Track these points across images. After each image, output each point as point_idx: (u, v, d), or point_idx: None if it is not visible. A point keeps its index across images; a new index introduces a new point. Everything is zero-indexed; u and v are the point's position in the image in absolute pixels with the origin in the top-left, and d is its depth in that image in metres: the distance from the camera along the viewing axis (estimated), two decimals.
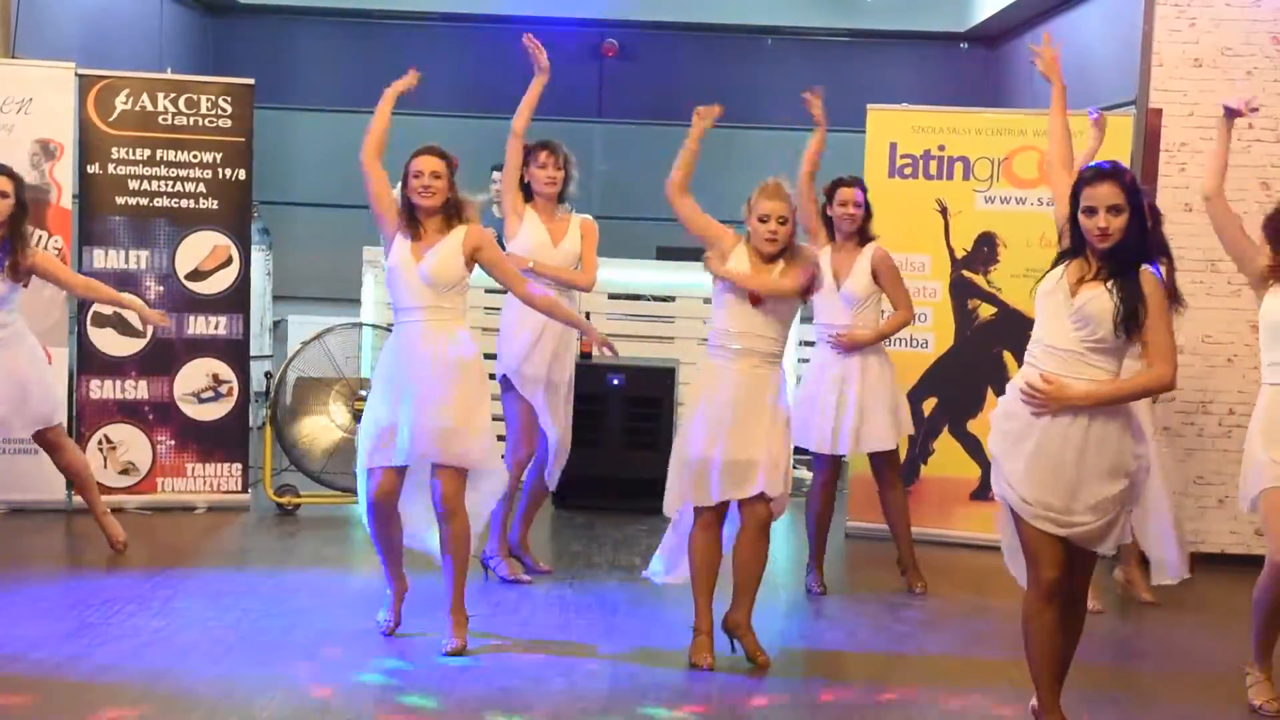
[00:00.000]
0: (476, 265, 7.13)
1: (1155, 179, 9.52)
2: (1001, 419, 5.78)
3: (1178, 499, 8.55)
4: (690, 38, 14.73)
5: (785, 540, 9.12)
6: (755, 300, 6.86)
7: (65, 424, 8.84)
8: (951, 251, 9.78)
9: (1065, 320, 5.62)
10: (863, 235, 8.60)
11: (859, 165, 9.87)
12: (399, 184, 7.28)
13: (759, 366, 6.96)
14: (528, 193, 8.61)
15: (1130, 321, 5.58)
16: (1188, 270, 9.55)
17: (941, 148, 9.82)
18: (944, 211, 9.65)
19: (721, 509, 7.00)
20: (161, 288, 9.90)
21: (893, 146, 9.96)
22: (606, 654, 7.19)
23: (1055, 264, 5.78)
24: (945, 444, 10.00)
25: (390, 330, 7.35)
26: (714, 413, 6.93)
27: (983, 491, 9.07)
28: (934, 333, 8.97)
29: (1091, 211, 5.59)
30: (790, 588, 8.71)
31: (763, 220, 6.98)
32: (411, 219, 7.16)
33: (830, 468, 8.67)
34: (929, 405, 9.90)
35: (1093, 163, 5.94)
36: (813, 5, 14.63)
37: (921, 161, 9.84)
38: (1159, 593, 8.49)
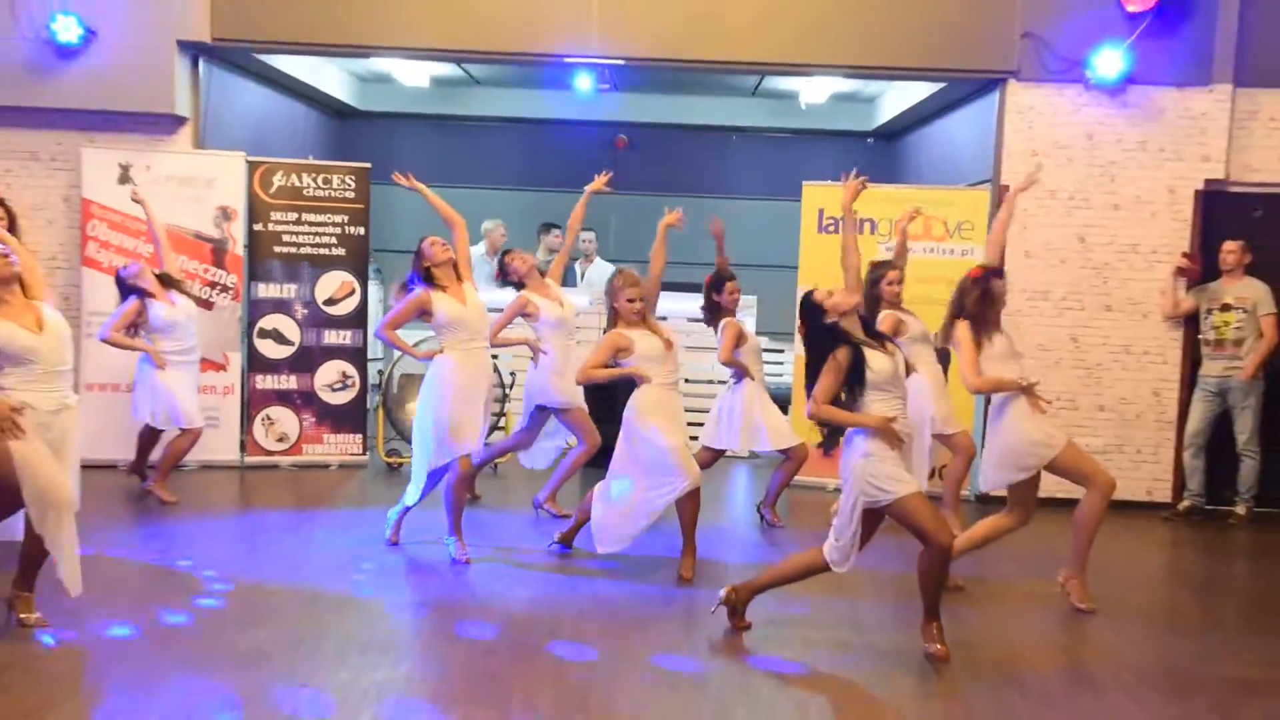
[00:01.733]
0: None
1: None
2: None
3: None
4: (678, 133, 14.72)
5: (749, 490, 9.07)
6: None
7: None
8: (862, 285, 9.65)
9: None
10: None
11: (797, 226, 10.05)
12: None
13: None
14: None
15: None
16: (1026, 298, 9.68)
17: (855, 212, 9.72)
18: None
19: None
20: (305, 310, 10.27)
21: (820, 211, 10.19)
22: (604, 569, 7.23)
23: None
24: None
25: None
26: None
27: None
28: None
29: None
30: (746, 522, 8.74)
31: (630, 300, 7.06)
32: (429, 277, 7.15)
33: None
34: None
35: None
36: (764, 111, 14.58)
37: (840, 222, 9.71)
38: None
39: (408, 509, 7.44)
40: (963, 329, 6.62)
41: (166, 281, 8.65)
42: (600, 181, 8.58)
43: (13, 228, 7.53)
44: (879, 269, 7.89)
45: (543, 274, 8.47)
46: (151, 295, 8.47)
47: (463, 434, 7.06)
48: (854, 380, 5.66)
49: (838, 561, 5.80)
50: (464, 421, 7.06)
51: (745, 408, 8.32)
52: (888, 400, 5.68)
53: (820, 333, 5.78)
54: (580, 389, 8.12)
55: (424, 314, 7.12)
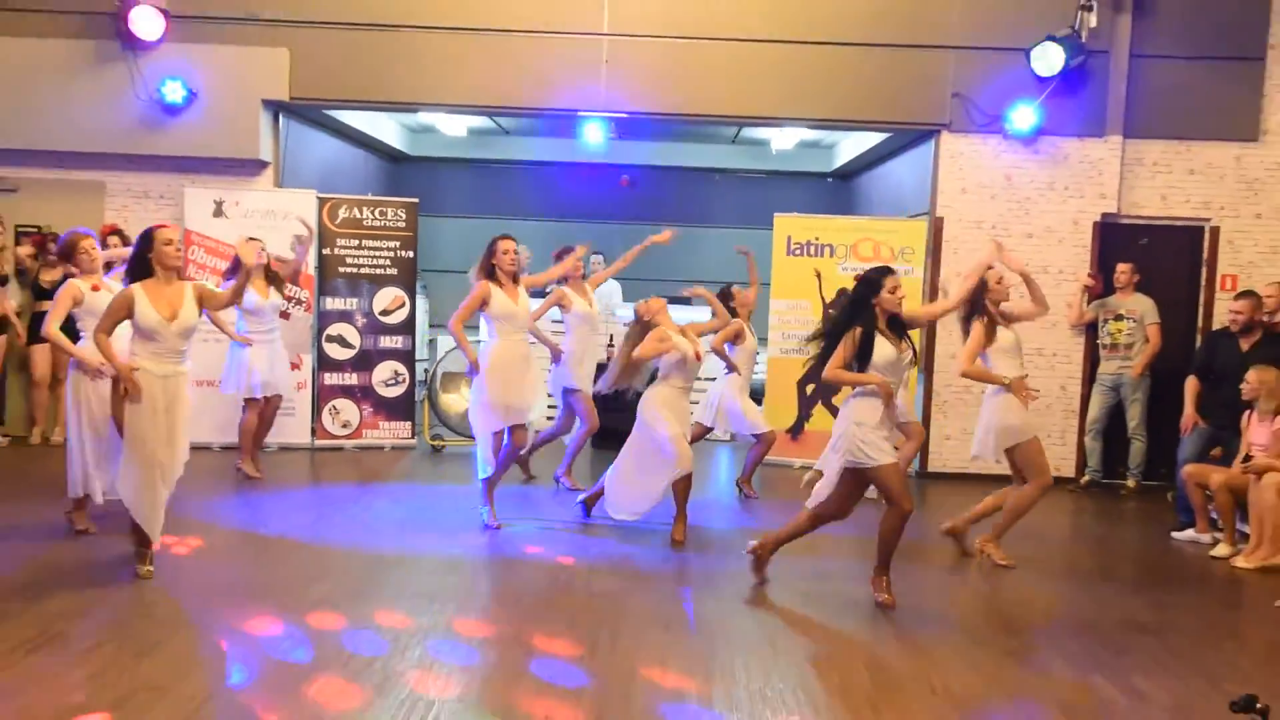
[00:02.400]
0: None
1: (939, 257, 9.61)
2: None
3: None
4: (672, 173, 14.78)
5: (730, 468, 9.08)
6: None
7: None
8: (823, 298, 9.91)
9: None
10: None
11: (769, 249, 10.10)
12: (482, 260, 7.13)
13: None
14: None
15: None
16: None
17: (817, 238, 9.94)
18: (818, 276, 9.79)
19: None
20: (365, 320, 10.21)
21: (788, 238, 10.16)
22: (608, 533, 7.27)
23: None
24: (820, 412, 9.94)
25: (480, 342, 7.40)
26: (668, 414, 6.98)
27: None
28: (810, 344, 8.98)
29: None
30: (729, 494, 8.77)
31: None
32: (492, 276, 7.07)
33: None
34: (810, 387, 9.91)
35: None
36: (741, 155, 14.62)
37: (805, 246, 10.01)
38: None
39: (485, 481, 7.16)
40: (977, 325, 6.59)
41: (272, 279, 8.56)
42: (665, 236, 8.37)
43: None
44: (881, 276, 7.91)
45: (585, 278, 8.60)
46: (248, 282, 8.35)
47: (504, 407, 6.96)
48: (861, 358, 5.63)
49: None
50: (505, 397, 6.94)
51: (729, 396, 8.36)
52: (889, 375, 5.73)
53: (857, 307, 5.68)
54: (590, 377, 8.28)
55: (484, 303, 7.04)
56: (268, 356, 8.50)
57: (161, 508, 5.74)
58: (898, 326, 5.77)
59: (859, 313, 5.69)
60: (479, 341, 7.48)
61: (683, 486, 7.04)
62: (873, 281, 5.72)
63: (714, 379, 9.27)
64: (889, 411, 5.65)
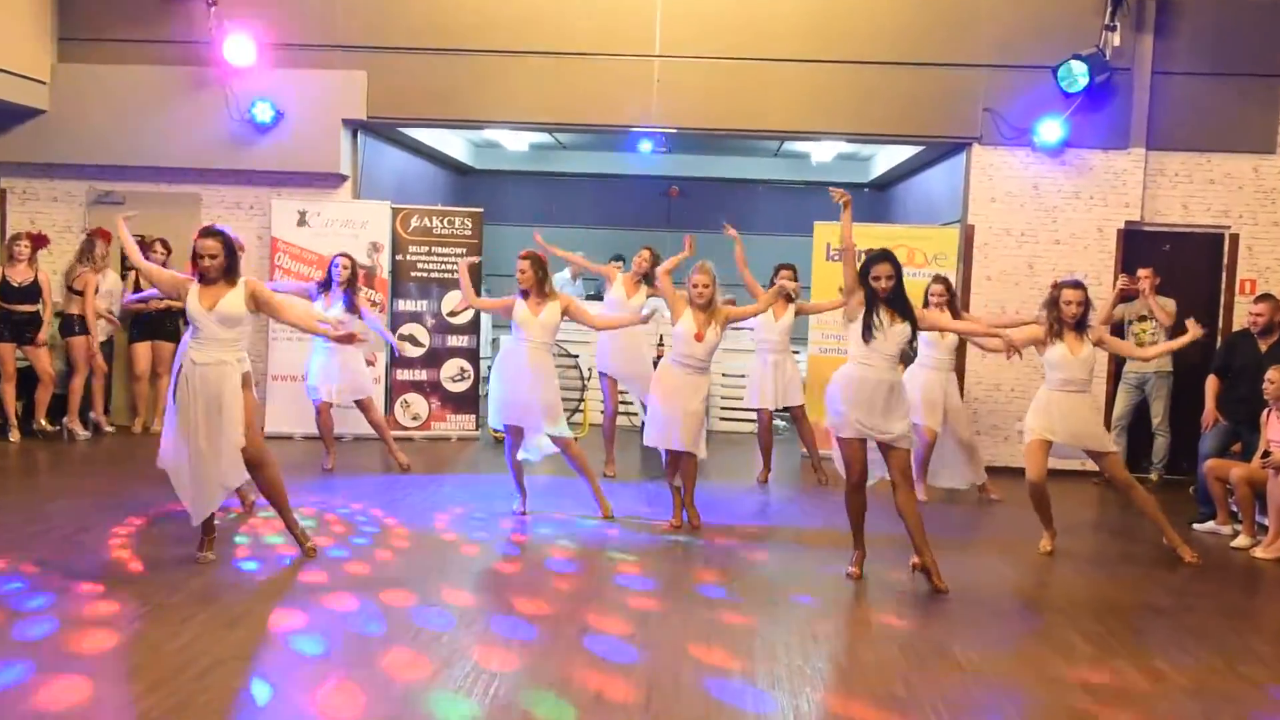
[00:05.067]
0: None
1: (971, 263, 9.49)
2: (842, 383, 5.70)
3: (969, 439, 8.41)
4: (718, 184, 14.69)
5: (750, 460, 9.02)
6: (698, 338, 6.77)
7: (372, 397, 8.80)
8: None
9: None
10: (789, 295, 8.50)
11: (810, 256, 10.05)
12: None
13: (693, 372, 6.83)
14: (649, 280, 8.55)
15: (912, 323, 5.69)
16: (989, 311, 9.84)
17: (855, 245, 9.66)
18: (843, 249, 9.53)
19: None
20: (434, 320, 10.36)
21: (828, 245, 10.12)
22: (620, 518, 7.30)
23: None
24: None
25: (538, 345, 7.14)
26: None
27: None
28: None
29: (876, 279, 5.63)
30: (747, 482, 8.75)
31: (694, 285, 6.79)
32: (522, 293, 6.97)
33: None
34: None
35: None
36: (783, 167, 14.52)
37: (843, 253, 9.68)
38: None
39: (514, 475, 7.12)
40: (1036, 327, 6.69)
41: (349, 283, 8.27)
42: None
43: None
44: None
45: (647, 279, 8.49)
46: (325, 290, 8.33)
47: (500, 403, 6.86)
48: (866, 323, 5.55)
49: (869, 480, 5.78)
50: (502, 394, 6.85)
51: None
52: (868, 354, 5.56)
53: (862, 278, 5.64)
54: (618, 364, 8.32)
55: (506, 311, 7.02)
56: (322, 366, 8.28)
57: (204, 493, 5.54)
58: (900, 308, 5.66)
59: (864, 283, 5.65)
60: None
61: (684, 470, 6.86)
62: (864, 266, 5.67)
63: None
64: (869, 401, 5.55)
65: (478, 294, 10.26)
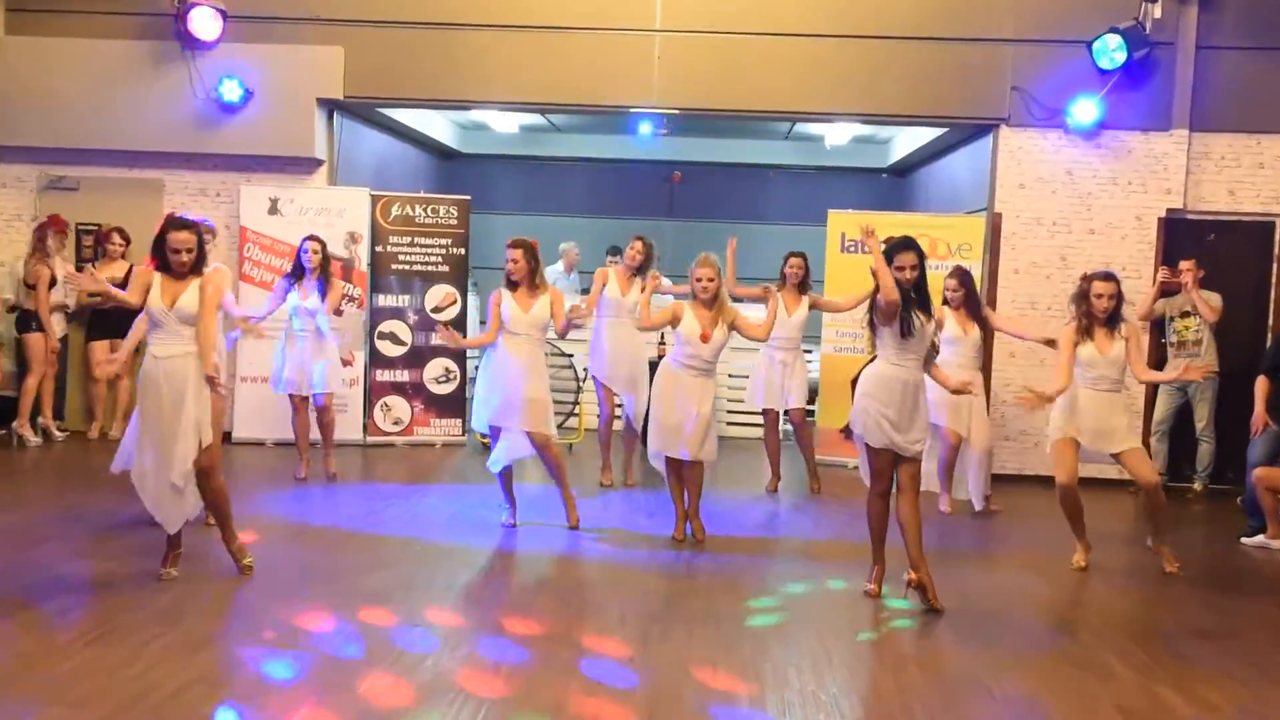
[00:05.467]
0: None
1: (998, 254, 9.46)
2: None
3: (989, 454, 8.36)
4: (723, 170, 14.68)
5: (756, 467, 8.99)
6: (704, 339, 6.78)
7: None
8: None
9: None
10: (802, 286, 8.60)
11: (823, 247, 10.02)
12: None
13: (699, 375, 6.84)
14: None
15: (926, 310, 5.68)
16: (1017, 307, 9.73)
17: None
18: (874, 273, 9.40)
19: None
20: (417, 316, 10.36)
21: (842, 235, 10.07)
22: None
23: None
24: None
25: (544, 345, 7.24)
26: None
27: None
28: (865, 342, 8.85)
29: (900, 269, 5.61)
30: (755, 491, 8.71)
31: (698, 280, 6.77)
32: (511, 284, 6.93)
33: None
34: None
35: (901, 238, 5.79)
36: (795, 151, 14.50)
37: (860, 244, 9.71)
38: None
39: (499, 477, 7.04)
40: (1066, 331, 6.59)
41: (322, 269, 8.21)
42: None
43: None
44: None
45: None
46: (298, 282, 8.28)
47: (488, 406, 6.84)
48: (905, 319, 5.55)
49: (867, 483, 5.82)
50: (490, 396, 6.85)
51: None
52: (900, 352, 5.60)
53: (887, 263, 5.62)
54: (610, 367, 8.28)
55: (497, 309, 6.99)
56: (297, 356, 8.22)
57: (167, 496, 5.56)
58: (923, 302, 5.67)
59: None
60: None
61: (690, 479, 6.85)
62: (885, 254, 5.64)
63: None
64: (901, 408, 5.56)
65: (464, 289, 10.30)
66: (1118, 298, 6.52)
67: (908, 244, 5.67)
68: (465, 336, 10.34)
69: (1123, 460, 6.61)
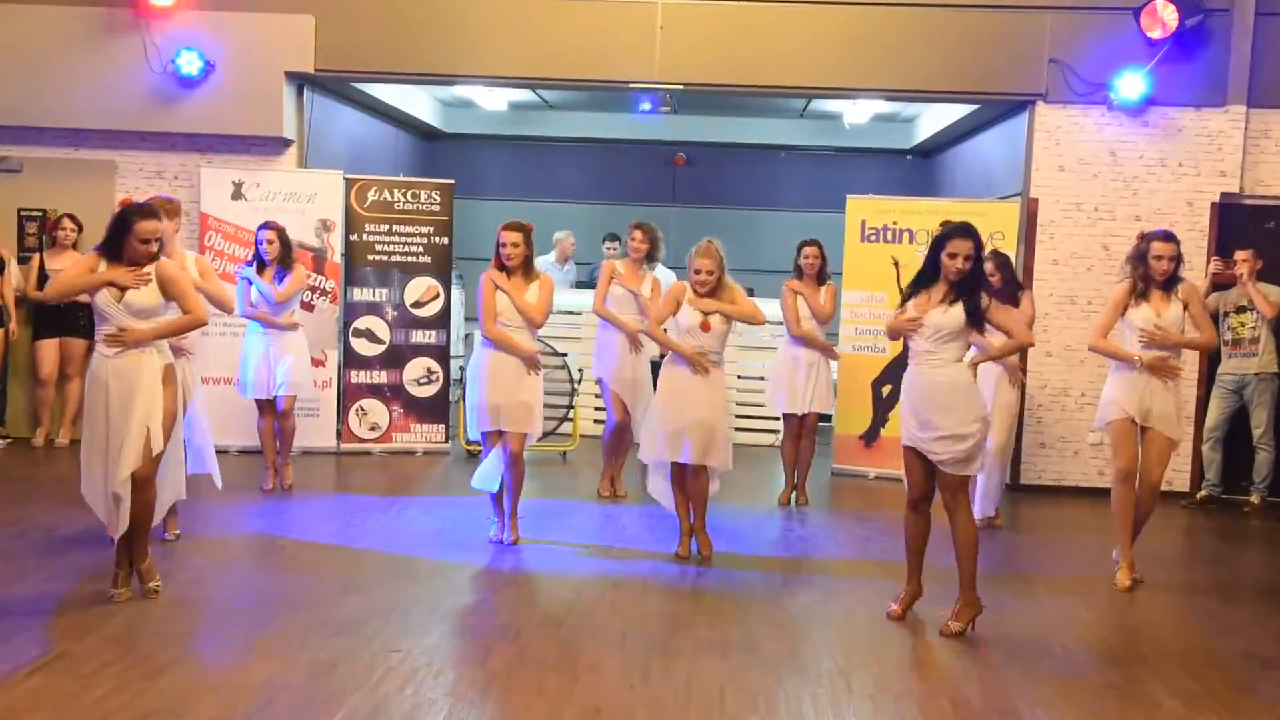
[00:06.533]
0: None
1: (1034, 243, 9.45)
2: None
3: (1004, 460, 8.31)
4: (732, 151, 14.69)
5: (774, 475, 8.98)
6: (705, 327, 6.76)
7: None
8: (901, 290, 9.55)
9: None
10: (820, 277, 8.62)
11: (841, 235, 9.95)
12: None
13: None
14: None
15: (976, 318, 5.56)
16: (1055, 302, 9.60)
17: (894, 222, 9.81)
18: (896, 265, 9.53)
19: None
20: (395, 312, 10.33)
21: (862, 222, 10.06)
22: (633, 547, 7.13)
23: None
24: (897, 414, 9.67)
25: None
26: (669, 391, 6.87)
27: None
28: (888, 341, 8.83)
29: (953, 256, 5.50)
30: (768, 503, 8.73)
31: (697, 272, 6.74)
32: (501, 269, 6.92)
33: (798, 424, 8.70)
34: (886, 389, 9.74)
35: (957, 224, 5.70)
36: (810, 130, 14.50)
37: (881, 232, 9.90)
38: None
39: (490, 493, 7.08)
40: (1118, 289, 6.58)
41: (282, 259, 8.22)
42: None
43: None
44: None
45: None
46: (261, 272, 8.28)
47: (493, 408, 6.80)
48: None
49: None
50: (494, 398, 6.79)
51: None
52: (920, 343, 5.63)
53: (930, 256, 5.61)
54: (618, 370, 8.24)
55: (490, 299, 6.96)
56: (261, 354, 8.24)
57: (114, 500, 5.54)
58: (968, 296, 5.56)
59: (934, 259, 5.58)
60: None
61: (696, 488, 6.83)
62: (936, 241, 5.60)
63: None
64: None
65: (447, 282, 10.27)
66: (1177, 259, 6.53)
67: (966, 231, 5.51)
68: (449, 332, 10.39)
69: (1144, 440, 6.58)
